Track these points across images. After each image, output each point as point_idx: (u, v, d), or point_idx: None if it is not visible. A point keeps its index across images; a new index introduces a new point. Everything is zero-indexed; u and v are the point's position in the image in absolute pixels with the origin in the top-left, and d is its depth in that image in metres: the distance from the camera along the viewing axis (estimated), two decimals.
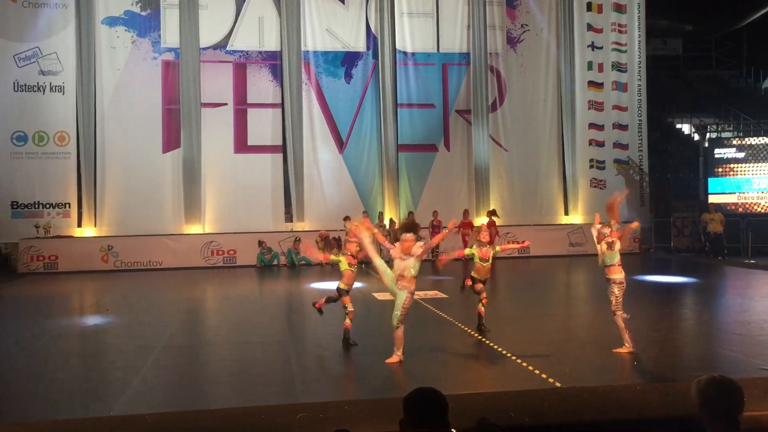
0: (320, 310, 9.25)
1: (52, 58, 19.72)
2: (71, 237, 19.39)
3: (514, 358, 7.75)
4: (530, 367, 7.28)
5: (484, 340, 8.76)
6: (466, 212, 20.51)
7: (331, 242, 19.45)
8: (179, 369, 7.82)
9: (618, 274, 7.92)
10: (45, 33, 19.70)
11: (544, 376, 6.91)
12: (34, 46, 19.63)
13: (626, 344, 7.85)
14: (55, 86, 19.74)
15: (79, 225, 19.78)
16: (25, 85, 19.57)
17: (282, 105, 20.89)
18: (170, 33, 20.38)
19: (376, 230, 8.46)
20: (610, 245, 7.92)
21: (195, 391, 6.84)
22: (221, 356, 8.47)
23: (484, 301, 9.19)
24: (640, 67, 22.87)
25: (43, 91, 19.68)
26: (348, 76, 21.48)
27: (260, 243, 19.22)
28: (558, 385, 6.58)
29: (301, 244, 18.61)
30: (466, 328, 9.47)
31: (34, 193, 19.51)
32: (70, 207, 19.74)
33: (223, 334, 10.00)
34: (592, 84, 22.65)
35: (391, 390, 6.66)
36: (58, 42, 19.76)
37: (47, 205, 19.55)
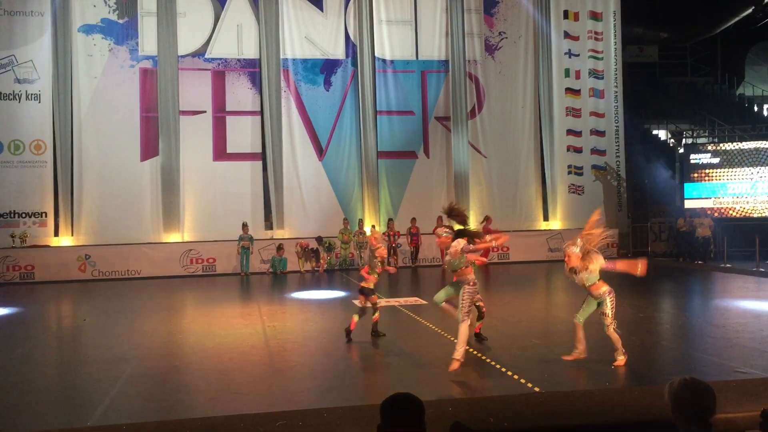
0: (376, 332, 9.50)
1: (28, 66, 19.53)
2: (48, 246, 19.17)
3: (492, 363, 7.78)
4: (509, 372, 7.31)
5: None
6: (488, 219, 20.32)
7: (309, 252, 19.57)
8: (157, 378, 7.75)
9: (605, 287, 7.61)
10: (21, 41, 19.51)
11: (522, 381, 6.95)
12: (9, 54, 19.43)
13: (620, 356, 7.55)
14: (31, 94, 19.55)
15: (56, 234, 19.57)
16: (1, 93, 19.36)
17: (261, 112, 20.85)
18: (148, 41, 20.28)
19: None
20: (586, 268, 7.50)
21: (173, 401, 6.79)
22: (199, 365, 8.42)
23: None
24: (616, 74, 23.13)
25: (19, 99, 19.48)
26: (327, 84, 21.49)
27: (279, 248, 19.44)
28: (536, 389, 6.62)
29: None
30: (445, 334, 9.49)
31: (10, 202, 19.27)
32: (46, 216, 19.53)
33: (201, 342, 9.94)
34: (569, 91, 22.86)
35: (369, 396, 6.66)
36: (34, 50, 19.58)
37: (23, 215, 19.32)
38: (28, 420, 6.18)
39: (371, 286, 9.43)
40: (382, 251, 9.72)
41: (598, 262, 7.58)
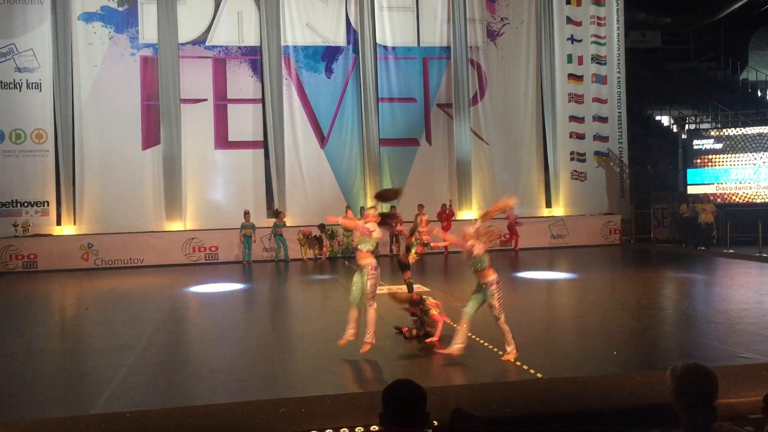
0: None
1: (28, 55, 19.47)
2: (50, 235, 19.20)
3: (495, 350, 7.78)
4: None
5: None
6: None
7: (312, 239, 19.57)
8: (160, 366, 7.78)
9: (494, 275, 7.39)
10: (21, 29, 19.45)
11: (525, 367, 6.96)
12: (9, 43, 19.38)
13: (510, 348, 7.33)
14: (32, 83, 19.51)
15: (59, 223, 19.60)
16: (1, 82, 19.33)
17: (263, 100, 20.79)
18: (148, 28, 20.19)
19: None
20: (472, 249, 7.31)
21: (176, 389, 6.81)
22: (203, 353, 8.44)
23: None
24: (619, 59, 23.01)
25: (20, 88, 19.44)
26: (329, 71, 21.41)
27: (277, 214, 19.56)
28: (539, 375, 6.63)
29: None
30: (448, 321, 9.48)
31: (12, 191, 19.29)
32: (48, 205, 19.54)
33: (204, 330, 9.97)
34: (572, 77, 22.75)
35: (372, 384, 6.67)
36: (34, 38, 19.52)
37: (25, 204, 19.34)
38: (32, 408, 6.21)
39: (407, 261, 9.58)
40: (423, 236, 9.88)
41: (483, 247, 7.33)
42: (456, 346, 7.27)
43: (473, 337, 8.50)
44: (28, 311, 12.16)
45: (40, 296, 14.42)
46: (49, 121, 19.60)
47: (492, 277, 7.34)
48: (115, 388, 6.74)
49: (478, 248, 7.22)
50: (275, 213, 19.58)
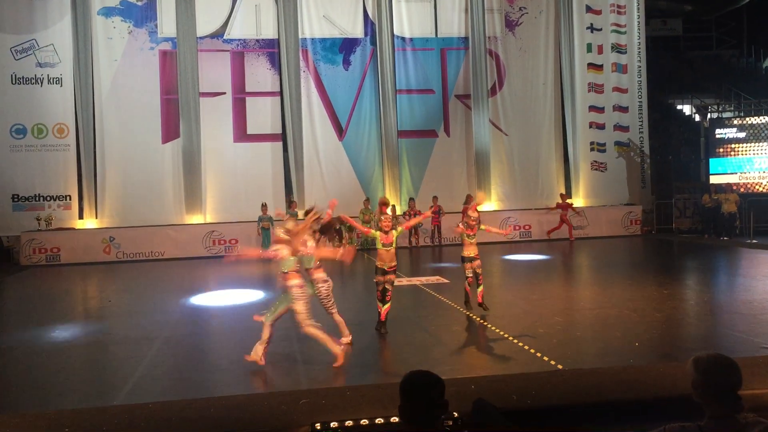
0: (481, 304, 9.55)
1: (49, 50, 19.66)
2: (73, 229, 19.42)
3: (515, 341, 7.75)
4: (532, 350, 7.29)
5: (485, 323, 8.77)
6: (563, 197, 20.82)
7: (332, 232, 19.53)
8: (181, 358, 7.84)
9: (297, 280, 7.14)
10: (41, 25, 19.63)
11: (545, 358, 6.93)
12: (30, 39, 19.57)
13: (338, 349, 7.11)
14: (53, 78, 19.70)
15: (81, 217, 19.80)
16: (23, 77, 19.52)
17: (281, 93, 20.81)
18: (167, 22, 20.29)
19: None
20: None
21: (197, 380, 6.86)
22: (223, 344, 8.50)
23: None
24: (639, 48, 22.73)
25: (41, 83, 19.64)
26: (346, 63, 21.38)
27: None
28: (560, 367, 6.60)
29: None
30: (468, 313, 9.48)
31: (35, 185, 19.52)
32: (71, 199, 19.76)
33: (224, 322, 10.03)
34: (591, 66, 22.52)
35: (392, 375, 6.67)
36: (54, 34, 19.69)
37: (48, 198, 19.57)
38: (56, 399, 6.29)
39: (466, 254, 9.49)
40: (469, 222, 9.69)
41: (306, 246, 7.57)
42: (256, 354, 7.11)
43: (493, 328, 8.47)
44: (51, 304, 12.31)
45: (64, 289, 14.57)
46: (71, 115, 19.79)
47: (295, 281, 7.06)
48: (138, 379, 6.81)
49: (286, 253, 7.08)
50: (289, 203, 19.59)
